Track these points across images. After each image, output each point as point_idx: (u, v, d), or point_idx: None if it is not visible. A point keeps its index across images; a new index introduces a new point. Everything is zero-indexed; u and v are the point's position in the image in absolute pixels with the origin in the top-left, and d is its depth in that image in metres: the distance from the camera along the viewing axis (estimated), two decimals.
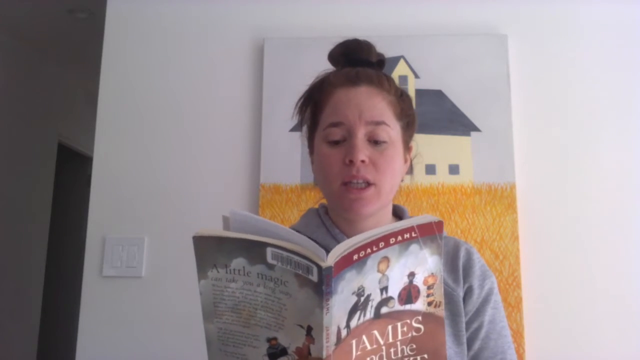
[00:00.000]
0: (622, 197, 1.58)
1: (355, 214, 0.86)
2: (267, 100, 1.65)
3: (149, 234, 1.63)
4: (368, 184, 0.84)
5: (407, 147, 0.93)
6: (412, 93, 1.63)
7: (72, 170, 3.93)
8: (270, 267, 0.57)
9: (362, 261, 0.57)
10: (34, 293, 3.34)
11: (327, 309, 0.54)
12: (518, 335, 1.48)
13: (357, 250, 0.56)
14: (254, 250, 0.57)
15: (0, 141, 3.02)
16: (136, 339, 1.57)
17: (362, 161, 0.84)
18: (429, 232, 0.61)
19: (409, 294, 0.61)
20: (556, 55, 1.68)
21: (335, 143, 0.87)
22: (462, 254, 0.92)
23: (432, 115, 1.62)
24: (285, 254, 0.56)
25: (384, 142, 0.86)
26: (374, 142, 0.86)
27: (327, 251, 0.56)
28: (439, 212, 1.57)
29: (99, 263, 1.62)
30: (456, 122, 1.62)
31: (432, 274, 0.62)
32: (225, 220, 0.62)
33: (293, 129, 1.58)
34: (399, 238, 0.59)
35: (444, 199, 1.58)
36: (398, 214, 0.96)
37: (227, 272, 0.59)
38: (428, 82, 1.64)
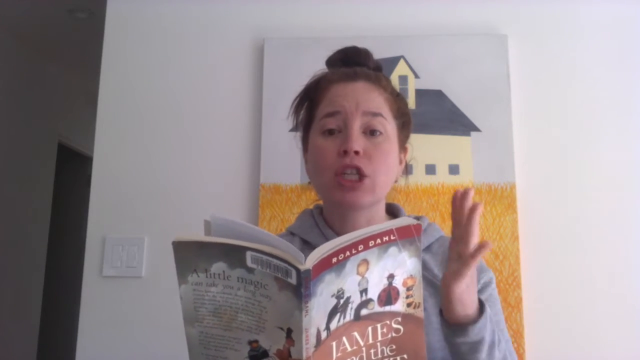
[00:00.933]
0: (622, 197, 1.58)
1: (348, 205, 0.84)
2: (267, 101, 1.65)
3: (149, 234, 1.63)
4: (361, 176, 0.82)
5: (402, 147, 0.93)
6: (412, 93, 1.63)
7: (72, 170, 3.93)
8: (250, 270, 0.57)
9: (341, 264, 0.57)
10: (34, 293, 3.34)
11: (307, 311, 0.55)
12: (518, 335, 1.48)
13: (335, 254, 0.57)
14: (233, 254, 0.57)
15: (0, 141, 3.02)
16: (136, 339, 1.57)
17: (356, 152, 0.82)
18: (408, 235, 0.61)
19: (388, 295, 0.62)
20: (556, 55, 1.68)
21: (330, 133, 0.86)
22: None
23: (432, 115, 1.62)
24: (264, 257, 0.56)
25: (380, 133, 0.85)
26: (370, 132, 0.85)
27: None
28: (439, 212, 1.57)
29: (99, 263, 1.62)
30: (456, 122, 1.62)
31: (411, 275, 0.63)
32: (207, 224, 0.62)
33: (293, 129, 1.58)
34: (378, 241, 0.59)
35: (444, 199, 1.58)
36: (393, 212, 0.95)
37: (207, 277, 0.59)
38: (428, 82, 1.64)
